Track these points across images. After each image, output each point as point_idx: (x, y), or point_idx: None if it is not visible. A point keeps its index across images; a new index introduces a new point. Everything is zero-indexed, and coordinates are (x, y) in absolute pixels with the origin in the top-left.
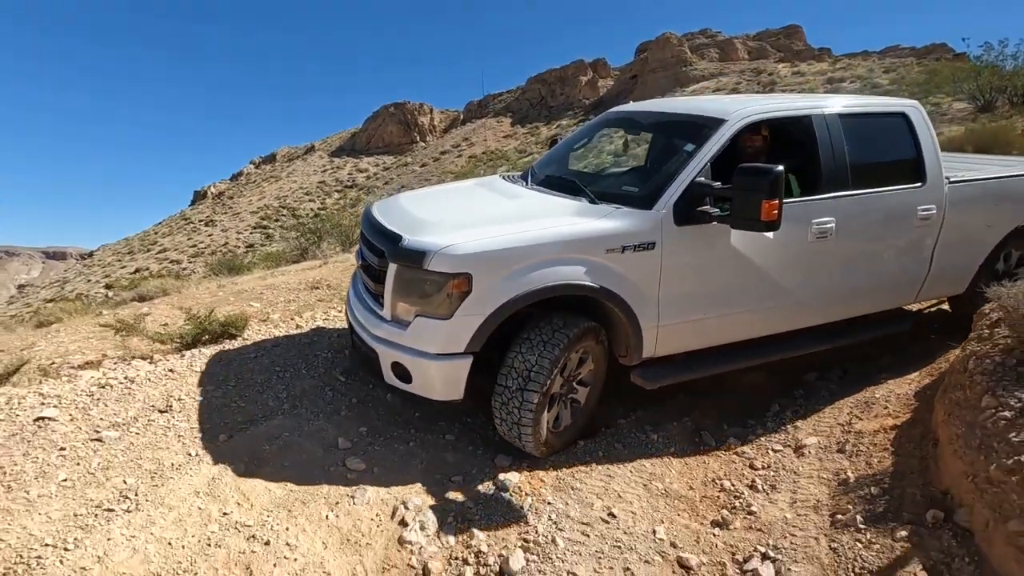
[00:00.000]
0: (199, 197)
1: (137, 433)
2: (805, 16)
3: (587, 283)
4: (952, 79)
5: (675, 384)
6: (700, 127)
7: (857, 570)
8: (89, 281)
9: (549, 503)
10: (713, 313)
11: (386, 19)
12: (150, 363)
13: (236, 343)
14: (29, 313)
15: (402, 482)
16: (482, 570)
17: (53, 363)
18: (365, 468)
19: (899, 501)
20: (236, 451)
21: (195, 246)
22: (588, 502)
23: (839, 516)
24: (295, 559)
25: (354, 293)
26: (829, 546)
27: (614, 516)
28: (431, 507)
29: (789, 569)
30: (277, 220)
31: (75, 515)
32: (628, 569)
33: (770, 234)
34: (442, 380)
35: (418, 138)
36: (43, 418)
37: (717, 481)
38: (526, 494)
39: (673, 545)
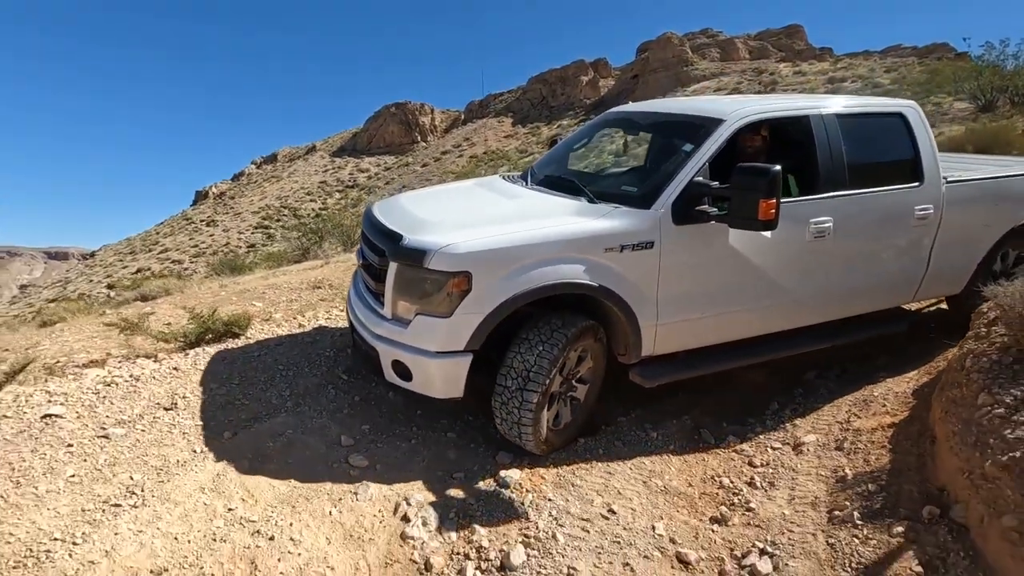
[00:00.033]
0: (200, 197)
1: (143, 430)
2: (806, 16)
3: (586, 282)
4: (953, 79)
5: (674, 382)
6: (698, 127)
7: (854, 565)
8: (91, 281)
9: (550, 499)
10: (711, 312)
11: (386, 19)
12: (155, 361)
13: (239, 342)
14: (32, 313)
15: (404, 479)
16: (483, 565)
17: (58, 362)
18: (368, 465)
19: (896, 497)
20: (240, 448)
21: (197, 246)
22: (588, 498)
23: (837, 512)
24: (299, 554)
25: (355, 292)
26: (826, 542)
27: (614, 512)
28: (433, 503)
29: (787, 564)
30: (278, 220)
31: (83, 510)
32: (627, 564)
33: (768, 233)
34: (442, 378)
35: (419, 138)
36: (50, 415)
37: (716, 478)
38: (527, 491)
39: (672, 541)
